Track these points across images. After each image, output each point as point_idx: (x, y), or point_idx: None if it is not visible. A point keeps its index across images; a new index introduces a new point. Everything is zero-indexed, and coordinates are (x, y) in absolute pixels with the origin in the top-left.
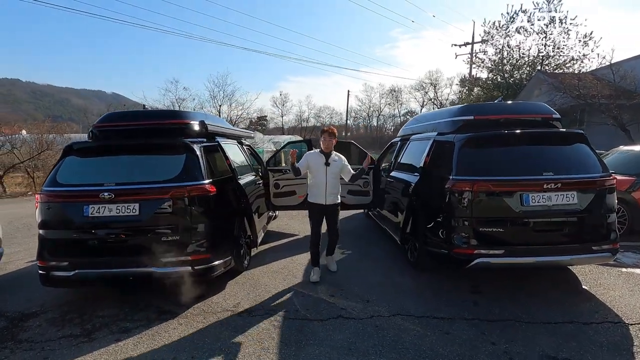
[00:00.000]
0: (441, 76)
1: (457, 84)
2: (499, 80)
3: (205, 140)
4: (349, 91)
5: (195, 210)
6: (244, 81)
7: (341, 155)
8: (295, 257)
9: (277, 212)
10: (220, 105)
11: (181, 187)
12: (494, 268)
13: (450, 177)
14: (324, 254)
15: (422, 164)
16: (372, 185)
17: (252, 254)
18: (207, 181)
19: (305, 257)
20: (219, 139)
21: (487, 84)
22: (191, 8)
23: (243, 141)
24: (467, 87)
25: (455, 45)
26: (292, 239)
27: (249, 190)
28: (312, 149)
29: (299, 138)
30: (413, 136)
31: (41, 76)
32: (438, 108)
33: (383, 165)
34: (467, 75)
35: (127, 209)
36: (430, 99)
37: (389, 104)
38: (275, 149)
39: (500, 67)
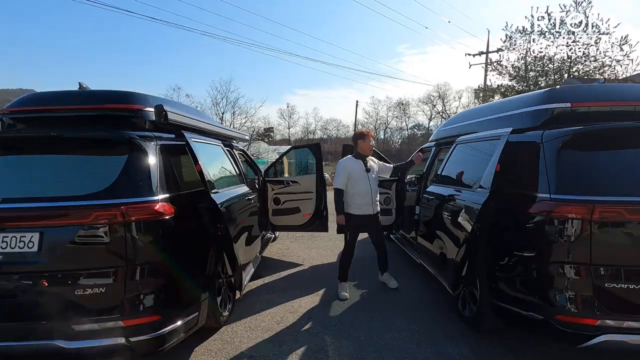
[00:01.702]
0: (449, 89)
1: (474, 91)
2: (523, 87)
3: (166, 135)
4: (357, 102)
5: (140, 242)
6: (251, 94)
7: (372, 157)
8: (297, 301)
9: (277, 233)
10: (223, 113)
11: (112, 207)
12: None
13: (547, 195)
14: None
15: (490, 176)
16: (396, 202)
17: (238, 294)
18: (160, 197)
19: (311, 302)
20: (188, 135)
21: (509, 92)
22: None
23: (234, 144)
24: (481, 97)
25: (469, 54)
26: (294, 270)
27: (233, 208)
28: (321, 156)
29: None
30: (460, 138)
31: (56, 88)
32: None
33: (409, 177)
34: (481, 85)
35: (20, 241)
36: (439, 112)
37: (397, 117)
38: (281, 162)
39: (523, 74)
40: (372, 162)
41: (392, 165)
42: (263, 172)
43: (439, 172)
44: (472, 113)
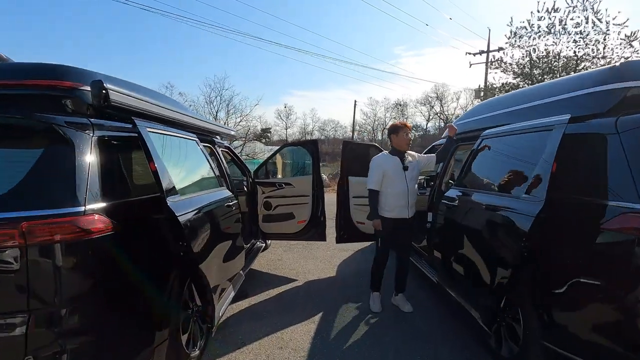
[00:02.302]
0: (447, 90)
1: (474, 91)
2: (527, 86)
3: (112, 124)
4: (355, 101)
5: (54, 274)
6: (252, 93)
7: (411, 152)
8: (288, 331)
9: (269, 241)
10: (217, 112)
11: (7, 223)
12: None
13: (635, 206)
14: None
15: (545, 180)
16: None
17: (215, 322)
18: (90, 207)
19: (306, 331)
20: (142, 123)
21: (513, 90)
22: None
23: (216, 140)
24: (482, 97)
25: (470, 53)
26: (286, 287)
27: (204, 218)
28: (318, 155)
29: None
30: (487, 132)
31: None
32: (445, 123)
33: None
34: (481, 85)
35: None
36: (437, 114)
37: (395, 117)
38: (273, 161)
39: (527, 72)
40: (412, 157)
41: (434, 155)
42: (253, 172)
43: (462, 174)
44: (500, 101)
